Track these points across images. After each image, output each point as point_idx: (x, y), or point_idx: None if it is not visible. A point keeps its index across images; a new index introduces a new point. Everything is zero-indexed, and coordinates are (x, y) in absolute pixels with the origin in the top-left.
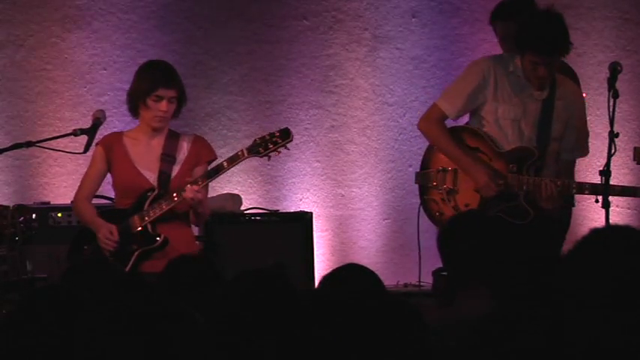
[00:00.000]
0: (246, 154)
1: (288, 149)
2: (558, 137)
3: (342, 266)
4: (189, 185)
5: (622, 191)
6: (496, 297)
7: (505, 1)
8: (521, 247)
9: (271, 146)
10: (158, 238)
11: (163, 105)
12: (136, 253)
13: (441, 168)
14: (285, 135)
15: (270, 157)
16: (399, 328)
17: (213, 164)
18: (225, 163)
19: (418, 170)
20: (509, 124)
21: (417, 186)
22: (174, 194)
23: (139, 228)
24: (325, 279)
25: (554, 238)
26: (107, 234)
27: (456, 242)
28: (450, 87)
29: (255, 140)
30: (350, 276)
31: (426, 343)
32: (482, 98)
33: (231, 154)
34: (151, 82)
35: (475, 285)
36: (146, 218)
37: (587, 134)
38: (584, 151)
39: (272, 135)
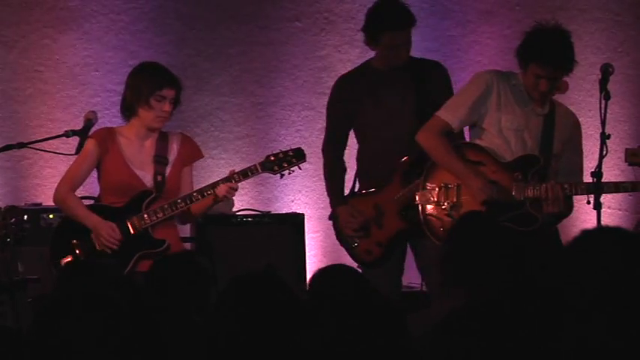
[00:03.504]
0: (260, 170)
1: (301, 169)
2: (557, 155)
3: (328, 267)
4: (222, 184)
5: (616, 188)
6: (473, 297)
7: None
8: (513, 250)
9: (285, 165)
10: (164, 244)
11: (166, 105)
12: (137, 256)
13: (443, 184)
14: (300, 155)
15: (283, 175)
16: (385, 328)
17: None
18: (235, 177)
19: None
20: (513, 134)
21: None
22: (180, 201)
23: (138, 230)
24: (313, 280)
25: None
26: (110, 232)
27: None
28: (452, 99)
29: (269, 157)
30: (337, 277)
31: (407, 343)
32: (484, 108)
33: (244, 168)
34: (156, 82)
35: (455, 285)
36: (146, 221)
37: (582, 163)
38: (579, 177)
39: (286, 154)
